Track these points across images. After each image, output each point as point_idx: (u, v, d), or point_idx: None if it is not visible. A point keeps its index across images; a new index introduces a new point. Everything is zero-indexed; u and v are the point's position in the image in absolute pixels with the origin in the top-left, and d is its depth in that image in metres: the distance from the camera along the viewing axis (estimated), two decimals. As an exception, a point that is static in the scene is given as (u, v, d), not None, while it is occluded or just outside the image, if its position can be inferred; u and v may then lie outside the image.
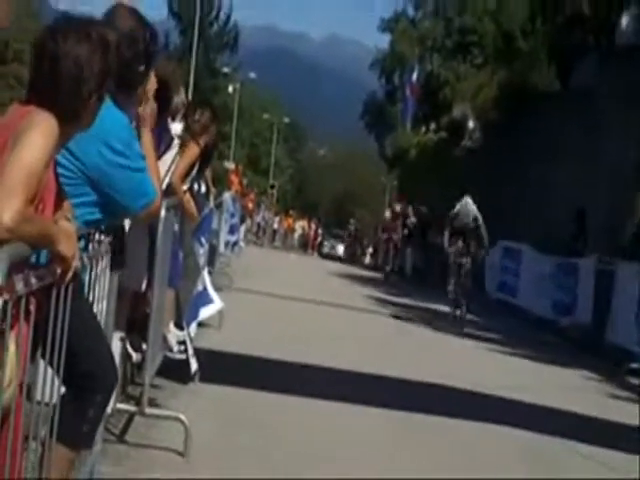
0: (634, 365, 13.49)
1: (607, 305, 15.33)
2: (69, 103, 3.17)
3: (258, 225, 51.47)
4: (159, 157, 6.92)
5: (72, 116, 3.20)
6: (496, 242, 22.85)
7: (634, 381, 12.89)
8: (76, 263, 3.24)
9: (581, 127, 21.98)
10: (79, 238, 3.37)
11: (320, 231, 63.42)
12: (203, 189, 10.07)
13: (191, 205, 7.91)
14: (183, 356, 7.44)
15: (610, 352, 14.52)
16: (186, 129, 7.33)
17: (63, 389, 3.61)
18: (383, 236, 32.71)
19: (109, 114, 3.96)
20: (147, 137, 4.78)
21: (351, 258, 49.64)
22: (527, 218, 24.75)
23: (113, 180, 4.02)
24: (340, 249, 58.11)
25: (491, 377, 11.41)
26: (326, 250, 57.71)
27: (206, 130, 7.72)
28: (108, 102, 3.90)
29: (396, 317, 16.94)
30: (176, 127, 7.33)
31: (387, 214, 35.27)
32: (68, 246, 3.13)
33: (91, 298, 4.02)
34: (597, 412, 9.96)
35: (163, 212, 5.93)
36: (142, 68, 4.48)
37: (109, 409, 5.20)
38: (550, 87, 27.70)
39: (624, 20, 22.08)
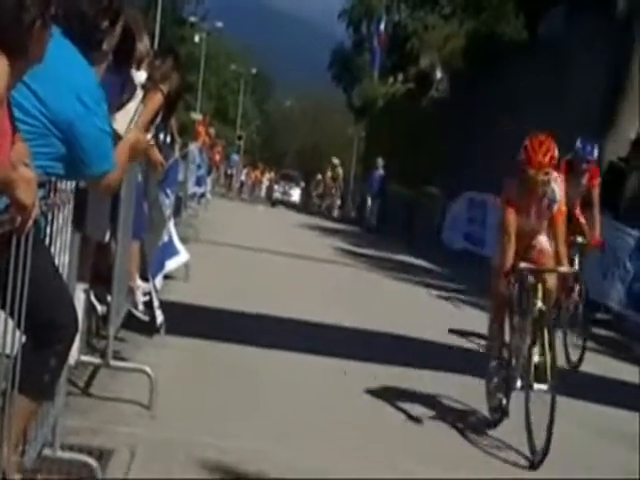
0: (599, 315, 13.60)
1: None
2: (11, 33, 2.98)
3: (226, 175, 50.94)
4: (122, 106, 6.85)
5: (17, 47, 2.99)
6: (462, 193, 22.95)
7: (597, 331, 13.00)
8: (36, 211, 3.18)
9: (549, 76, 21.99)
10: (39, 185, 3.29)
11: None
12: (168, 139, 9.97)
13: (155, 152, 7.83)
14: (146, 318, 7.38)
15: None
16: (149, 77, 7.22)
17: (23, 339, 3.58)
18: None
19: (81, 67, 3.87)
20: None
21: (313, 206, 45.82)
22: (496, 168, 24.78)
23: (81, 136, 3.87)
24: (295, 194, 50.41)
25: (454, 327, 11.45)
26: (277, 195, 49.16)
27: (168, 77, 7.63)
28: (76, 53, 3.81)
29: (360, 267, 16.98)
30: (141, 75, 7.22)
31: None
32: (27, 193, 3.05)
33: (53, 249, 3.97)
34: (558, 361, 10.03)
35: (127, 162, 5.87)
36: (106, 24, 4.33)
37: (73, 361, 5.19)
38: (518, 37, 27.65)
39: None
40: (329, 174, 44.57)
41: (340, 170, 44.04)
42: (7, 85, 2.95)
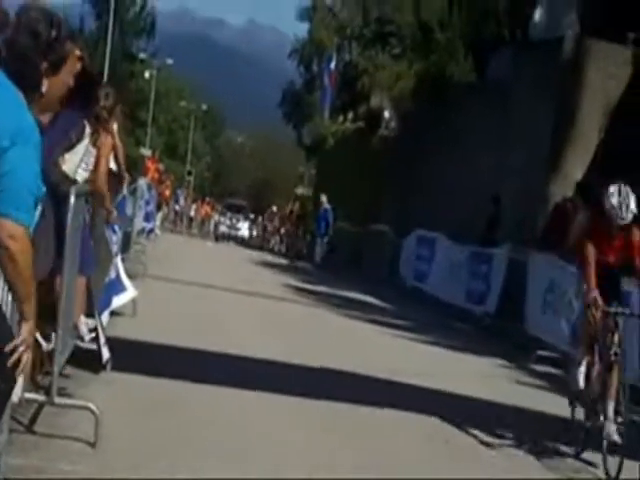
0: (542, 353, 13.73)
1: (519, 294, 15.58)
2: None
3: (175, 212, 50.54)
4: (72, 147, 6.87)
5: None
6: (412, 231, 23.14)
7: (542, 368, 13.13)
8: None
9: (496, 118, 22.27)
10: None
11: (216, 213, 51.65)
12: (114, 167, 9.91)
13: (108, 202, 7.92)
14: (94, 346, 7.37)
15: (521, 340, 14.75)
16: (95, 117, 7.25)
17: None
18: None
19: (17, 106, 3.84)
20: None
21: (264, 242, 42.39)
22: (443, 208, 25.01)
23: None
24: (244, 228, 45.25)
25: (402, 364, 11.50)
26: (223, 229, 44.00)
27: (113, 113, 7.67)
28: (21, 99, 3.78)
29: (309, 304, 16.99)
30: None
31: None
32: None
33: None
34: (504, 398, 10.13)
35: (72, 199, 5.86)
36: (44, 65, 4.23)
37: (17, 398, 5.12)
38: (467, 78, 28.00)
39: (537, 15, 22.46)
40: (292, 207, 36.56)
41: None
42: None
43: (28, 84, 4.04)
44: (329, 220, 31.26)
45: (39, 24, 4.16)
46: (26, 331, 3.65)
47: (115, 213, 8.05)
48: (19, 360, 3.55)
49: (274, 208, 47.38)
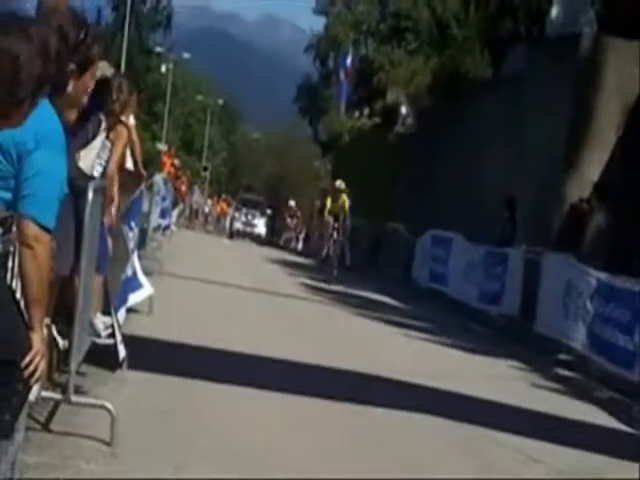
0: (562, 356, 13.68)
1: (535, 295, 15.50)
2: (1, 105, 3.03)
3: (191, 208, 50.35)
4: (87, 143, 6.88)
5: (2, 115, 3.07)
6: (427, 231, 23.08)
7: (562, 372, 13.08)
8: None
9: (511, 114, 22.20)
10: (1, 221, 3.30)
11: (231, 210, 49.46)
12: (130, 166, 9.92)
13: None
14: (111, 341, 7.38)
15: (537, 342, 14.69)
16: (108, 112, 7.25)
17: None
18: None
19: (51, 119, 3.87)
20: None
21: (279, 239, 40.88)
22: (459, 206, 24.96)
23: (27, 169, 3.84)
24: (260, 224, 42.81)
25: (417, 365, 11.49)
26: (238, 226, 41.54)
27: (126, 105, 7.68)
28: (47, 104, 3.80)
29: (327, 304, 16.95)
30: None
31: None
32: None
33: (15, 284, 3.94)
34: (521, 402, 10.10)
35: (90, 195, 5.85)
36: (71, 66, 4.28)
37: (33, 397, 5.13)
38: (483, 74, 27.94)
39: (554, 11, 22.35)
40: (324, 201, 27.03)
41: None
42: None
43: (55, 84, 4.07)
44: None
45: (68, 26, 4.19)
46: (38, 341, 3.68)
47: (112, 216, 7.91)
48: (35, 370, 3.58)
49: (292, 203, 46.13)
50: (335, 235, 22.10)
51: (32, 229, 3.75)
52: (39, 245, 3.75)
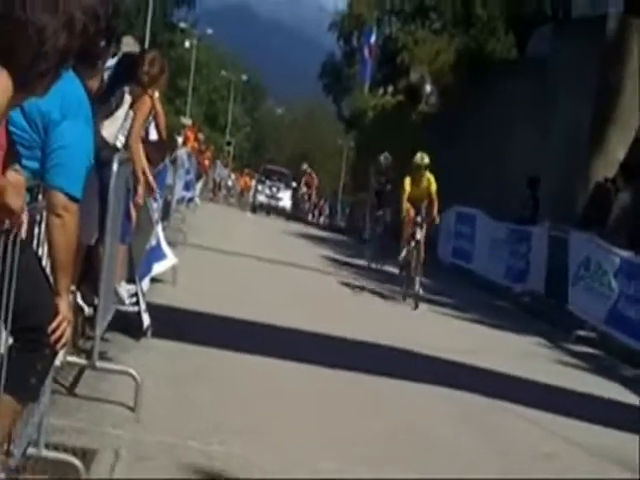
0: (582, 333, 13.67)
1: (559, 272, 15.47)
2: (25, 75, 3.06)
3: (214, 181, 50.23)
4: (111, 113, 6.92)
5: (26, 86, 3.10)
6: (450, 207, 22.98)
7: (585, 349, 13.07)
8: (24, 216, 3.21)
9: (535, 95, 22.09)
10: (28, 190, 3.34)
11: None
12: (154, 137, 9.96)
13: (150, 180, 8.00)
14: (135, 309, 7.44)
15: (562, 319, 14.69)
16: (137, 82, 7.27)
17: (11, 340, 3.60)
18: None
19: (75, 90, 3.92)
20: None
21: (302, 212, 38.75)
22: (482, 184, 24.86)
23: (53, 140, 3.89)
24: (285, 197, 39.73)
25: (441, 340, 11.51)
26: (261, 199, 38.97)
27: (157, 81, 7.69)
28: (72, 74, 3.84)
29: (348, 282, 16.92)
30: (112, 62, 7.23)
31: None
32: (16, 198, 3.10)
33: (40, 251, 3.99)
34: (543, 378, 10.10)
35: (115, 166, 5.88)
36: (103, 43, 4.38)
37: (59, 362, 5.19)
38: (507, 55, 27.79)
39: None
40: (411, 186, 17.88)
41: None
42: (7, 106, 3.03)
43: (87, 61, 4.14)
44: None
45: (100, 8, 4.28)
46: (64, 307, 3.73)
47: (141, 195, 7.93)
48: (61, 335, 3.66)
49: (305, 166, 42.24)
50: (418, 234, 14.89)
51: (61, 199, 3.84)
52: (68, 214, 3.84)
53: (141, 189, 7.75)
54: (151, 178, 8.19)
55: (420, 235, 14.86)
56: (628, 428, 8.24)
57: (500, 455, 6.75)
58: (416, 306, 14.12)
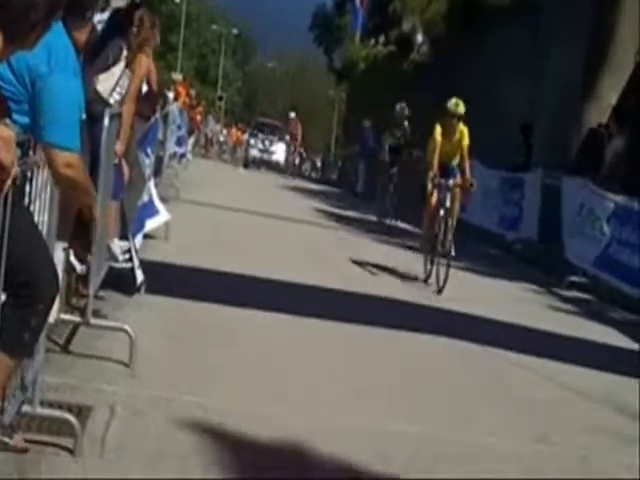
0: (574, 278, 13.72)
1: (552, 219, 15.49)
2: (16, 27, 3.06)
3: (206, 137, 49.81)
4: (107, 68, 6.86)
5: (15, 37, 3.10)
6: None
7: (577, 294, 13.13)
8: (15, 170, 3.19)
9: (529, 42, 21.96)
10: (18, 145, 3.31)
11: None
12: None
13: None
14: (128, 265, 7.44)
15: (555, 266, 14.73)
16: (129, 47, 7.22)
17: (3, 297, 3.60)
18: None
19: (62, 42, 3.89)
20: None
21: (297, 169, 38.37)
22: (475, 132, 24.73)
23: (41, 94, 3.86)
24: (279, 151, 38.28)
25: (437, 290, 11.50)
26: (254, 153, 37.82)
27: (148, 38, 7.64)
28: (59, 26, 3.81)
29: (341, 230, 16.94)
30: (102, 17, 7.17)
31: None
32: (7, 153, 3.08)
33: (33, 208, 3.97)
34: (536, 323, 10.15)
35: (106, 121, 5.84)
36: None
37: (52, 319, 5.19)
38: (500, 1, 27.55)
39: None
40: (443, 139, 14.81)
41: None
42: None
43: (76, 12, 4.12)
44: (372, 146, 28.68)
45: None
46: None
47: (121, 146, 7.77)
48: None
49: (292, 114, 39.46)
50: (448, 201, 11.97)
51: (61, 156, 3.84)
52: (72, 170, 3.86)
53: (120, 146, 7.68)
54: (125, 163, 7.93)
55: (450, 203, 12.01)
56: (623, 372, 8.29)
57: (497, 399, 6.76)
58: (440, 291, 11.24)
